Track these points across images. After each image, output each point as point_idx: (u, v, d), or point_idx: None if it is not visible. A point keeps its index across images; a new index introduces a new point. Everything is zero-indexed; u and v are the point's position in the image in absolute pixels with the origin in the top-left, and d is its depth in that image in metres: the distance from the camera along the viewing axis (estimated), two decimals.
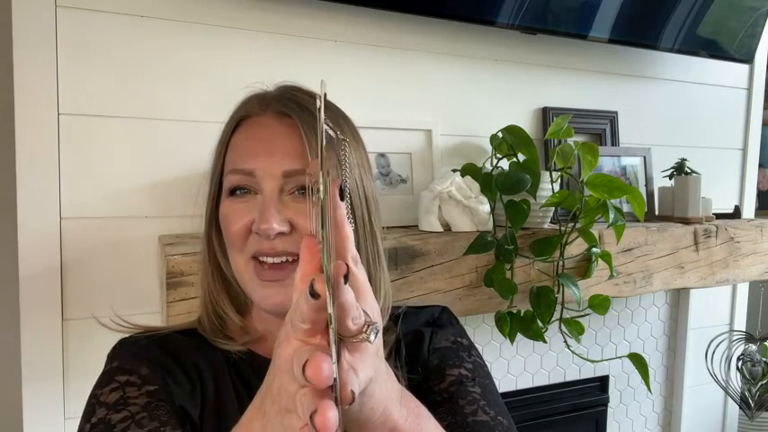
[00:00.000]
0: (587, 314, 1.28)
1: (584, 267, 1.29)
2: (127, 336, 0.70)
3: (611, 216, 1.19)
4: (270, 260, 0.64)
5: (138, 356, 0.65)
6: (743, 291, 1.96)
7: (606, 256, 1.27)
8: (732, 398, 1.88)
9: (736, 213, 1.76)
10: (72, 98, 1.05)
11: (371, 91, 1.32)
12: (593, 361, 1.48)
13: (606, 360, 1.59)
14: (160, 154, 1.13)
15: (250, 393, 0.64)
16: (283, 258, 0.64)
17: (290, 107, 0.67)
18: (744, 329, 1.95)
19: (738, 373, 1.88)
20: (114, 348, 0.68)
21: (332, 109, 0.70)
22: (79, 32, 1.06)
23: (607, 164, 1.55)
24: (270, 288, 0.64)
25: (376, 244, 0.69)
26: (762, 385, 1.85)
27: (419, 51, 1.37)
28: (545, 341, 1.26)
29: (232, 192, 0.67)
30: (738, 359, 1.89)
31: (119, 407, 0.60)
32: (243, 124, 0.69)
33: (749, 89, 1.90)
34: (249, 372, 0.68)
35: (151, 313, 1.10)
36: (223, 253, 0.71)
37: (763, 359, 1.87)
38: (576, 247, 1.26)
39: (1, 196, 1.29)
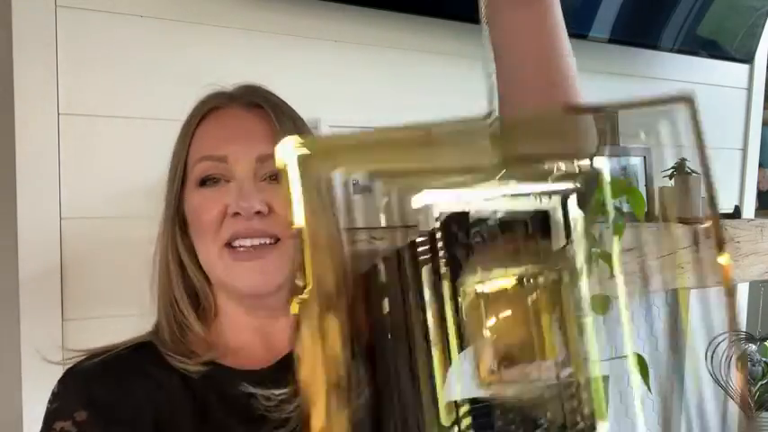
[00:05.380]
0: None
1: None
2: (72, 365, 0.65)
3: (612, 216, 1.19)
4: (247, 242, 0.62)
5: (75, 395, 0.61)
6: (743, 291, 1.96)
7: (606, 257, 1.26)
8: (732, 398, 1.88)
9: (736, 213, 1.76)
10: (72, 98, 1.05)
11: (371, 91, 1.32)
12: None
13: (606, 360, 1.59)
14: (160, 154, 1.12)
15: (211, 417, 0.60)
16: (261, 241, 0.62)
17: (259, 98, 0.67)
18: (744, 329, 1.95)
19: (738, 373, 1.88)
20: (60, 381, 0.64)
21: (284, 107, 0.69)
22: (79, 32, 1.05)
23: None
24: (247, 270, 0.62)
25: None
26: (762, 385, 1.85)
27: (420, 51, 1.37)
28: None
29: (202, 182, 0.65)
30: (738, 359, 1.89)
31: None
32: (211, 115, 0.68)
33: (749, 89, 1.90)
34: (211, 393, 0.63)
35: (151, 314, 1.10)
36: (187, 251, 0.67)
37: (763, 359, 1.87)
38: None
39: (1, 196, 1.29)
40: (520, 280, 0.30)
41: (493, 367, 0.30)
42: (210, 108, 0.68)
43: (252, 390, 0.60)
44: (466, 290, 0.30)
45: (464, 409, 0.31)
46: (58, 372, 1.05)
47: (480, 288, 0.30)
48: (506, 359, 0.30)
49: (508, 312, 0.30)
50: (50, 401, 0.62)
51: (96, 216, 1.08)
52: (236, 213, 0.62)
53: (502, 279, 0.30)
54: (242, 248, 0.62)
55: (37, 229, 1.03)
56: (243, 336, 0.68)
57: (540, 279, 0.30)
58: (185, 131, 0.69)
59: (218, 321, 0.69)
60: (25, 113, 1.02)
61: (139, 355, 0.66)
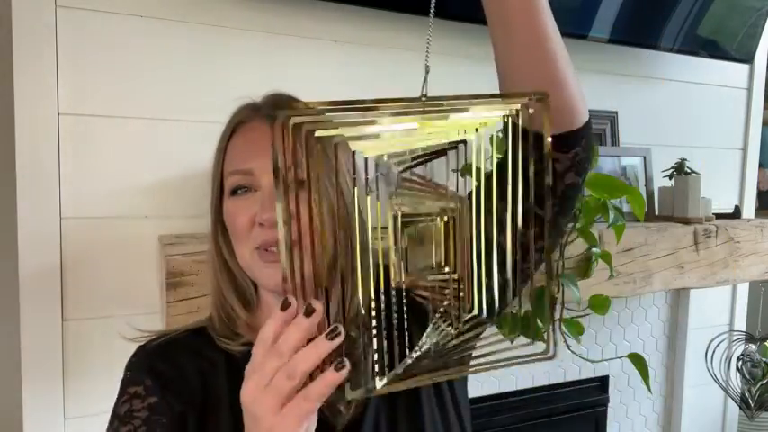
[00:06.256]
0: (587, 314, 1.28)
1: (584, 267, 1.29)
2: (143, 343, 0.76)
3: (611, 216, 1.19)
4: (274, 249, 0.70)
5: (144, 367, 0.73)
6: (743, 291, 1.96)
7: (606, 256, 1.27)
8: (732, 398, 1.88)
9: (736, 213, 1.76)
10: (72, 98, 1.05)
11: (372, 91, 1.32)
12: (593, 361, 1.48)
13: (606, 360, 1.59)
14: (160, 154, 1.13)
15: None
16: None
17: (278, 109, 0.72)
18: (744, 329, 1.95)
19: (738, 373, 1.88)
20: (132, 356, 0.75)
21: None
22: (79, 32, 1.06)
23: (607, 164, 1.55)
24: (272, 269, 0.70)
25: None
26: (762, 385, 1.85)
27: (419, 51, 1.37)
28: (545, 341, 1.26)
29: (234, 191, 0.73)
30: (738, 359, 1.89)
31: (126, 419, 0.69)
32: (238, 130, 0.75)
33: (749, 89, 1.90)
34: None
35: (151, 313, 1.10)
36: (229, 251, 0.76)
37: (763, 359, 1.87)
38: (576, 247, 1.26)
39: (1, 196, 1.29)
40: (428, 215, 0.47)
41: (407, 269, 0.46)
42: (238, 122, 0.75)
43: None
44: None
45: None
46: (58, 372, 1.06)
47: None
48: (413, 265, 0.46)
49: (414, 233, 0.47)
50: (126, 370, 0.73)
51: (96, 216, 1.08)
52: (261, 223, 0.70)
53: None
54: (268, 251, 0.71)
55: (37, 228, 1.04)
56: None
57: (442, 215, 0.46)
58: (219, 147, 0.76)
59: (259, 309, 0.78)
60: (25, 113, 1.02)
61: (194, 338, 0.77)
